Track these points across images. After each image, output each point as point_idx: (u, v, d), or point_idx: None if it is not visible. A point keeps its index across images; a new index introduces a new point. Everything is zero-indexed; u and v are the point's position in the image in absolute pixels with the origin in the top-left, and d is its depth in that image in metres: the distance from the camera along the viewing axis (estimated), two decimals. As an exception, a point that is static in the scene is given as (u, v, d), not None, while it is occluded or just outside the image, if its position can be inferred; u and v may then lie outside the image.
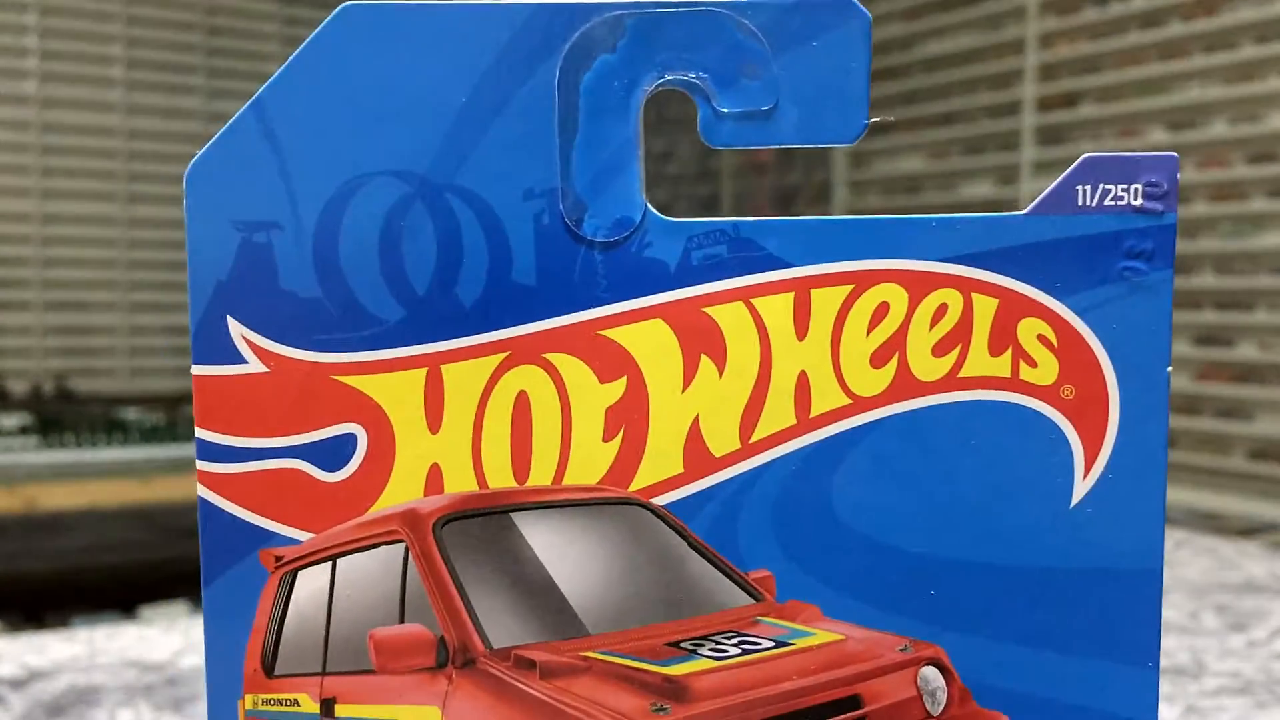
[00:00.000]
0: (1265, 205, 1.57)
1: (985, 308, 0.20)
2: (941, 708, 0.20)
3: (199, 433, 0.20)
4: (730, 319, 0.20)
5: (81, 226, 2.17)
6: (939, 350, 0.20)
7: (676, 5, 0.20)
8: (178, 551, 1.52)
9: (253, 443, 0.20)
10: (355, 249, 0.20)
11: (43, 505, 1.59)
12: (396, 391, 0.20)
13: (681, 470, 0.20)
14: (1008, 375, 0.20)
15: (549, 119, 0.20)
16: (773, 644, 0.20)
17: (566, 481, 0.20)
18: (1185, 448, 1.65)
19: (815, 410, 0.20)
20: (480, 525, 0.20)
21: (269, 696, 0.21)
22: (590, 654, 0.20)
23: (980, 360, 0.20)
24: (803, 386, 0.20)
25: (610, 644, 0.20)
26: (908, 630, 0.20)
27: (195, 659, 0.49)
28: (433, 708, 0.20)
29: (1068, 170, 0.20)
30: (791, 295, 0.20)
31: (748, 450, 0.20)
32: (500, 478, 0.20)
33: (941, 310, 0.20)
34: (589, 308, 0.20)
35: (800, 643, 0.20)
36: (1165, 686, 0.45)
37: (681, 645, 0.20)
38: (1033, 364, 0.20)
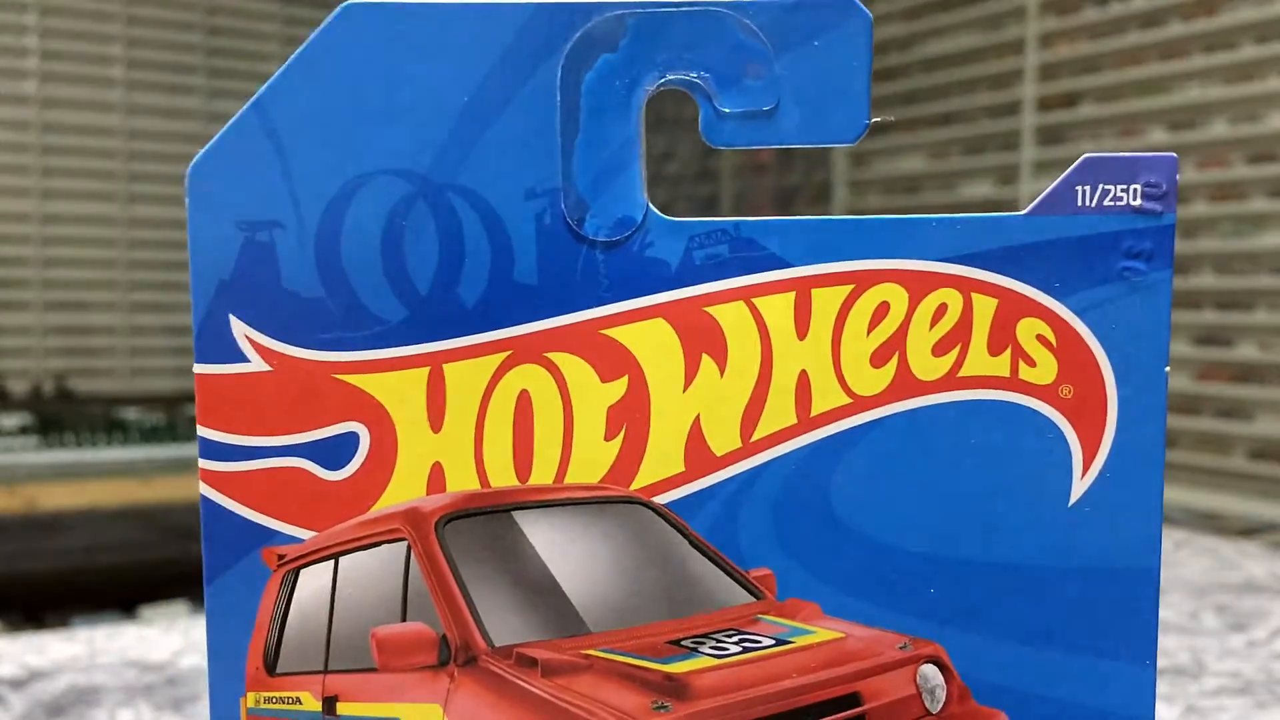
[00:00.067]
0: (1265, 205, 1.57)
1: (985, 307, 0.20)
2: (941, 705, 0.20)
3: (201, 431, 0.20)
4: (731, 318, 0.20)
5: (81, 226, 2.17)
6: (939, 350, 0.20)
7: (678, 5, 0.20)
8: (178, 551, 1.52)
9: (255, 441, 0.20)
10: (357, 248, 0.20)
11: (43, 505, 1.59)
12: (398, 390, 0.20)
13: (683, 469, 0.20)
14: (1007, 375, 0.20)
15: (551, 118, 0.20)
16: (773, 642, 0.20)
17: (568, 480, 0.20)
18: (1185, 447, 1.65)
19: (816, 409, 0.20)
20: (482, 524, 0.20)
21: (271, 695, 0.21)
22: (592, 652, 0.20)
23: (980, 360, 0.20)
24: (803, 386, 0.20)
25: (611, 642, 0.20)
26: (907, 628, 0.20)
27: (195, 659, 0.49)
28: (434, 706, 0.20)
29: (1067, 170, 0.20)
30: (792, 295, 0.20)
31: (748, 449, 0.20)
32: (502, 476, 0.20)
33: (941, 310, 0.20)
34: (590, 307, 0.20)
35: (800, 641, 0.20)
36: (1165, 686, 0.45)
37: (682, 643, 0.20)
38: (1032, 363, 0.20)
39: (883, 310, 0.20)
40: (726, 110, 0.20)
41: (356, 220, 0.20)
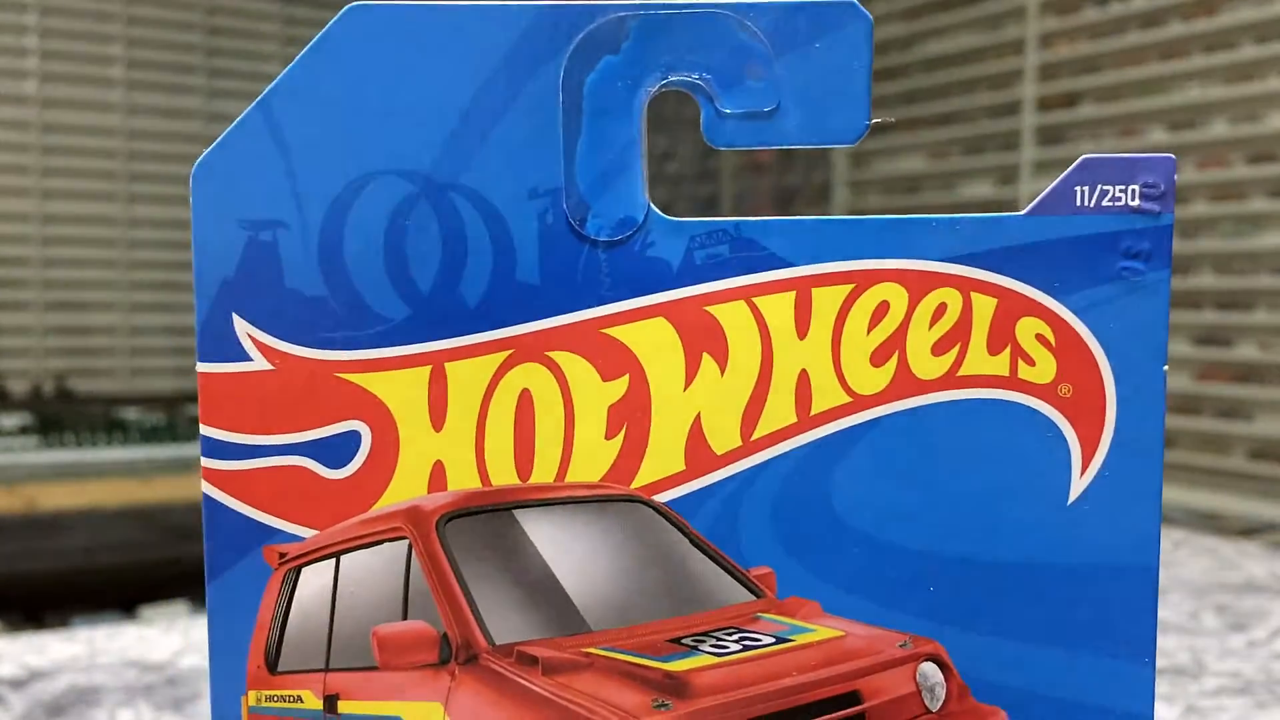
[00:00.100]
0: (1265, 205, 1.57)
1: (984, 307, 0.20)
2: (940, 703, 0.21)
3: (204, 429, 0.20)
4: (732, 318, 0.20)
5: (81, 226, 2.17)
6: (938, 349, 0.20)
7: (680, 7, 0.20)
8: (178, 551, 1.52)
9: (257, 440, 0.20)
10: (360, 248, 0.20)
11: (43, 505, 1.59)
12: (400, 389, 0.20)
13: (683, 468, 0.20)
14: (1006, 374, 0.20)
15: (553, 119, 0.20)
16: (773, 640, 0.20)
17: (569, 479, 0.20)
18: (1185, 447, 1.65)
19: (816, 408, 0.20)
20: (483, 522, 0.21)
21: (272, 693, 0.21)
22: (592, 650, 0.20)
23: (979, 359, 0.20)
24: (803, 385, 0.20)
25: (612, 640, 0.20)
26: (907, 626, 0.20)
27: (195, 659, 0.49)
28: (435, 704, 0.20)
29: (1066, 171, 0.20)
30: (793, 294, 0.20)
31: (749, 448, 0.20)
32: (503, 475, 0.20)
33: (941, 309, 0.20)
34: (592, 306, 0.20)
35: (800, 639, 0.20)
36: (1165, 686, 0.45)
37: (683, 641, 0.20)
38: (1031, 363, 0.20)
39: (883, 310, 0.20)
40: (728, 111, 0.20)
41: (359, 220, 0.20)
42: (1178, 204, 0.22)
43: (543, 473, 0.20)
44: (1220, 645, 0.50)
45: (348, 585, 0.21)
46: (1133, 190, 0.20)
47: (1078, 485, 0.20)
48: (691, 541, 0.20)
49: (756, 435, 0.20)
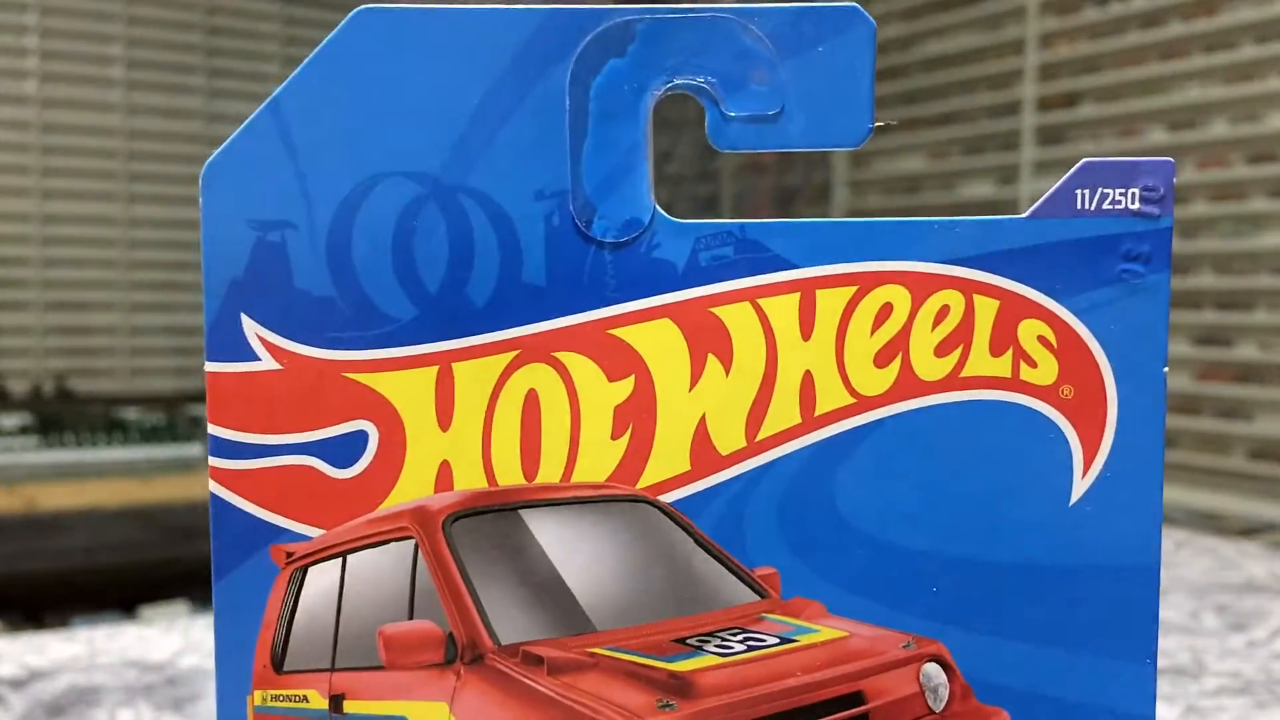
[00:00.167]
0: (1265, 205, 1.57)
1: (986, 309, 0.20)
2: (943, 704, 0.21)
3: (212, 429, 0.20)
4: (737, 319, 0.20)
5: (81, 226, 2.17)
6: (941, 350, 0.20)
7: (685, 11, 0.20)
8: (178, 551, 1.52)
9: (265, 439, 0.20)
10: (368, 248, 0.20)
11: (43, 505, 1.58)
12: (408, 389, 0.20)
13: (688, 468, 0.20)
14: (1008, 375, 0.21)
15: (560, 122, 0.20)
16: (777, 640, 0.21)
17: (575, 479, 0.20)
18: (1185, 447, 1.65)
19: (820, 409, 0.20)
20: (489, 522, 0.21)
21: (278, 692, 0.22)
22: (597, 650, 0.20)
23: (981, 360, 0.20)
24: (808, 386, 0.20)
25: (617, 640, 0.20)
26: (910, 627, 0.21)
27: (195, 659, 0.49)
28: (441, 703, 0.20)
29: (1067, 175, 0.20)
30: (797, 296, 0.20)
31: (753, 449, 0.20)
32: (509, 475, 0.20)
33: (944, 311, 0.20)
34: (598, 307, 0.20)
35: (804, 639, 0.21)
36: (1165, 686, 0.45)
37: (687, 642, 0.20)
38: (1033, 364, 0.20)
39: (886, 311, 0.20)
40: (733, 114, 0.20)
41: (368, 220, 0.20)
42: (1177, 204, 0.22)
43: (549, 473, 0.20)
44: (1220, 645, 0.50)
45: (354, 585, 0.21)
46: (1133, 194, 0.20)
47: (1079, 486, 0.20)
48: (697, 542, 0.21)
49: (761, 436, 0.20)
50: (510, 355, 0.20)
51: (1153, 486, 0.21)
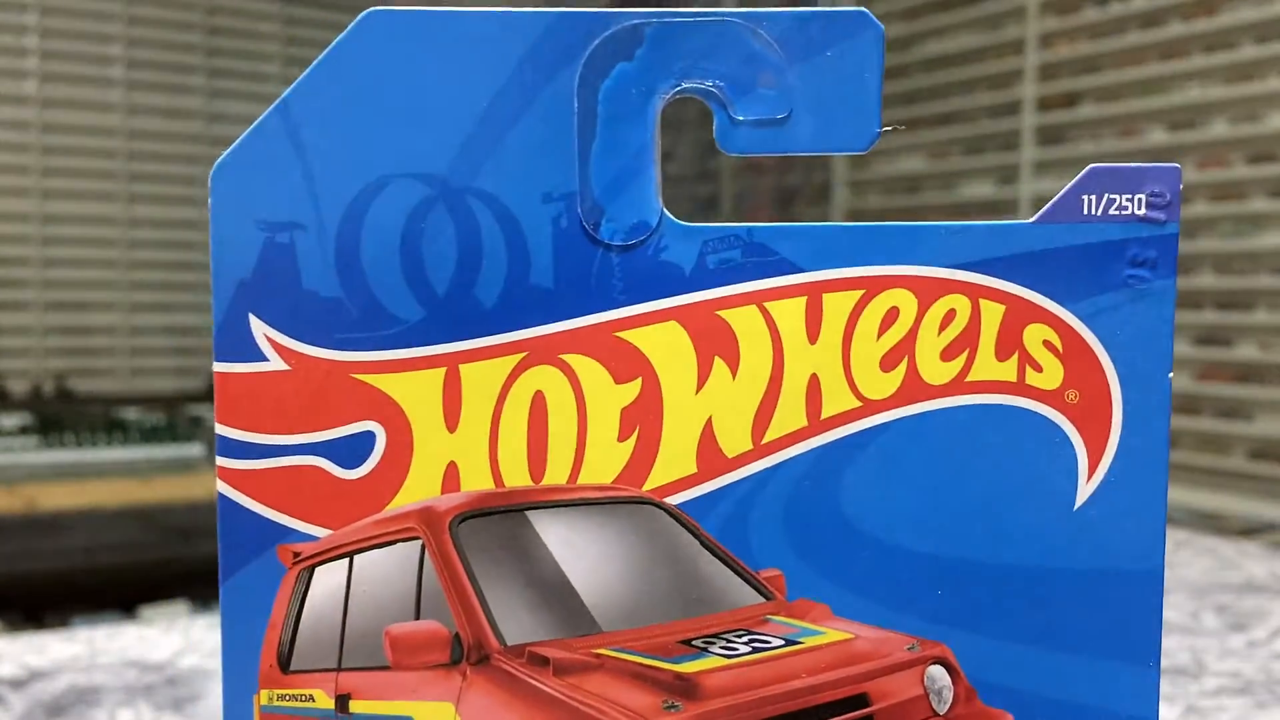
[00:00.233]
0: (1265, 205, 1.57)
1: (992, 313, 0.20)
2: (948, 706, 0.21)
3: (220, 429, 0.20)
4: (743, 322, 0.20)
5: (81, 226, 2.17)
6: (947, 355, 0.21)
7: (694, 15, 0.20)
8: (178, 551, 1.52)
9: (273, 439, 0.20)
10: (377, 250, 0.20)
11: (43, 505, 1.58)
12: (415, 390, 0.20)
13: (695, 470, 0.20)
14: (1014, 380, 0.21)
15: (568, 124, 0.20)
16: (782, 642, 0.21)
17: (581, 481, 0.20)
18: (1185, 448, 1.65)
19: (826, 412, 0.20)
20: (496, 523, 0.21)
21: (284, 692, 0.22)
22: (603, 651, 0.20)
23: (987, 365, 0.21)
24: (814, 389, 0.20)
25: (623, 641, 0.20)
26: (915, 629, 0.21)
27: (195, 659, 0.49)
28: (447, 704, 0.20)
29: (1074, 180, 0.20)
30: (804, 299, 0.20)
31: (760, 451, 0.20)
32: (516, 476, 0.20)
33: (950, 316, 0.20)
34: (605, 310, 0.20)
35: (809, 641, 0.21)
36: (1166, 686, 0.45)
37: (693, 643, 0.20)
38: (1038, 369, 0.21)
39: (892, 315, 0.20)
40: (741, 118, 0.20)
41: (376, 222, 0.20)
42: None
43: (555, 474, 0.20)
44: (1220, 645, 0.50)
45: (361, 585, 0.21)
46: (1139, 199, 0.20)
47: (1084, 491, 0.21)
48: (702, 544, 0.21)
49: (767, 439, 0.20)
50: (518, 357, 0.20)
51: (1157, 491, 0.21)
